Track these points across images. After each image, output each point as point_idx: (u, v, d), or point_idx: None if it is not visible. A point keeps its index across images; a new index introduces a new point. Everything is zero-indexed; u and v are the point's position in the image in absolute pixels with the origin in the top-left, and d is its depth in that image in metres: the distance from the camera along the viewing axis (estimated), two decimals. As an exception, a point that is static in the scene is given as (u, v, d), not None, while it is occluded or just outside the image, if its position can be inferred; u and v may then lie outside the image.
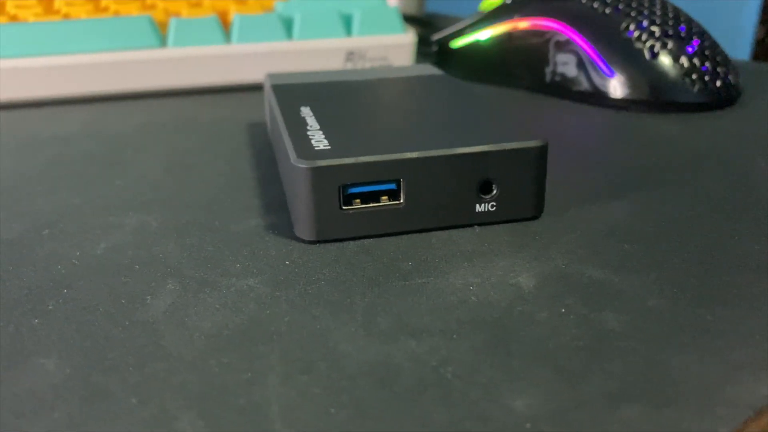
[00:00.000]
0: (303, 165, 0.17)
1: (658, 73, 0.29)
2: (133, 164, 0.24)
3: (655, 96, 0.29)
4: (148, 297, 0.16)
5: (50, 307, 0.15)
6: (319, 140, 0.18)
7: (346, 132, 0.19)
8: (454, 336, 0.14)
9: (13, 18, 0.33)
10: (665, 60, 0.29)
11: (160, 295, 0.16)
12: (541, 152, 0.18)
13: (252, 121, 0.29)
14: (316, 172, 0.17)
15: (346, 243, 0.18)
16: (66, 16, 0.34)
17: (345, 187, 0.17)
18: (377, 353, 0.13)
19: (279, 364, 0.13)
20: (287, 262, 0.17)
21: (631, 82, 0.29)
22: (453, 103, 0.22)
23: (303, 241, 0.18)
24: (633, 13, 0.30)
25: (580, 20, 0.31)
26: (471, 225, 0.19)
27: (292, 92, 0.24)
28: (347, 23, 0.35)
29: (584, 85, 0.30)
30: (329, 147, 0.18)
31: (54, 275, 0.17)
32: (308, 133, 0.19)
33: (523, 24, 0.33)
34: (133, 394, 0.12)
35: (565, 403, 0.12)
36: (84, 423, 0.12)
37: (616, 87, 0.29)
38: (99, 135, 0.27)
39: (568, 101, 0.31)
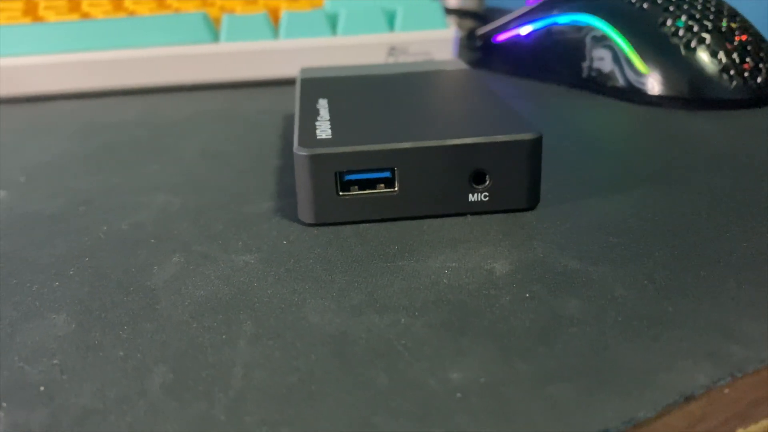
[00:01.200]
0: (302, 152, 0.18)
1: (694, 69, 0.29)
2: (172, 150, 0.26)
3: (689, 92, 0.29)
4: (155, 267, 0.17)
5: (71, 273, 0.17)
6: (323, 130, 0.20)
7: (351, 123, 0.20)
8: (416, 313, 0.15)
9: (86, 15, 0.36)
10: (702, 55, 0.29)
11: (166, 266, 0.17)
12: (534, 145, 0.19)
13: (290, 113, 0.31)
14: (314, 159, 0.18)
15: (343, 227, 0.19)
16: (132, 12, 0.37)
17: (342, 174, 0.19)
18: (341, 325, 0.15)
19: (252, 329, 0.15)
20: (284, 242, 0.18)
21: (665, 79, 0.29)
22: (463, 97, 0.23)
23: (304, 223, 0.19)
24: (672, 8, 0.30)
25: (617, 15, 0.30)
26: (464, 214, 0.20)
27: (317, 85, 0.25)
28: (390, 19, 0.36)
29: (619, 80, 0.30)
30: (330, 136, 0.19)
31: (80, 246, 0.19)
32: (317, 123, 0.20)
33: (562, 19, 0.33)
34: (121, 349, 0.14)
35: (500, 378, 0.13)
36: (75, 369, 0.13)
37: (650, 83, 0.29)
38: (149, 123, 0.30)
39: (604, 97, 0.31)
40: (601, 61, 0.31)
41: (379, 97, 0.23)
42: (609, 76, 0.31)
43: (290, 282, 0.16)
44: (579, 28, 0.32)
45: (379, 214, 0.19)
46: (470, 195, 0.19)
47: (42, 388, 0.13)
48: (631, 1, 0.30)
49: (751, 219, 0.19)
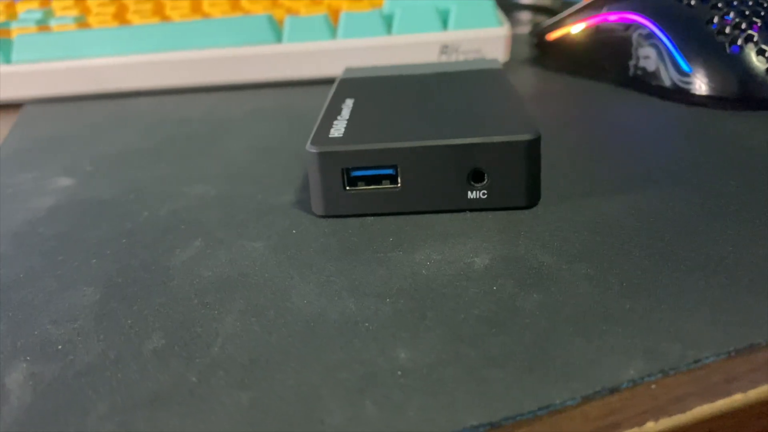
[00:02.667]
0: (312, 150, 0.20)
1: (739, 68, 0.28)
2: (223, 144, 0.29)
3: (734, 92, 0.28)
4: (178, 250, 0.20)
5: (107, 252, 0.20)
6: (338, 129, 0.21)
7: (365, 122, 0.22)
8: (388, 299, 0.16)
9: (167, 18, 0.40)
10: (748, 54, 0.28)
11: (187, 249, 0.20)
12: (532, 146, 0.20)
13: (338, 110, 0.32)
14: (322, 156, 0.20)
15: (350, 219, 0.21)
16: (207, 15, 0.40)
17: (348, 170, 0.20)
18: (318, 307, 0.16)
19: (241, 307, 0.17)
20: (294, 231, 0.20)
21: (709, 78, 0.28)
22: (479, 96, 0.24)
23: (315, 215, 0.21)
24: (720, 5, 0.29)
25: (663, 12, 0.30)
26: (464, 210, 0.21)
27: (351, 85, 0.27)
28: (444, 17, 0.37)
29: (663, 79, 0.30)
30: (341, 135, 0.21)
31: (121, 229, 0.21)
32: (335, 122, 0.22)
33: (612, 17, 0.33)
34: (129, 318, 0.16)
35: (442, 361, 0.14)
36: (89, 333, 0.16)
37: (693, 82, 0.29)
38: (210, 119, 0.32)
39: (649, 96, 0.31)
40: (647, 59, 0.31)
41: (401, 98, 0.24)
42: (654, 75, 0.30)
43: (287, 267, 0.18)
44: (627, 26, 0.32)
45: (383, 208, 0.21)
46: (469, 192, 0.20)
47: (60, 347, 0.16)
48: (678, -1, 0.30)
49: (748, 224, 0.19)
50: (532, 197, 0.20)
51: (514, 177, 0.20)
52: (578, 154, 0.25)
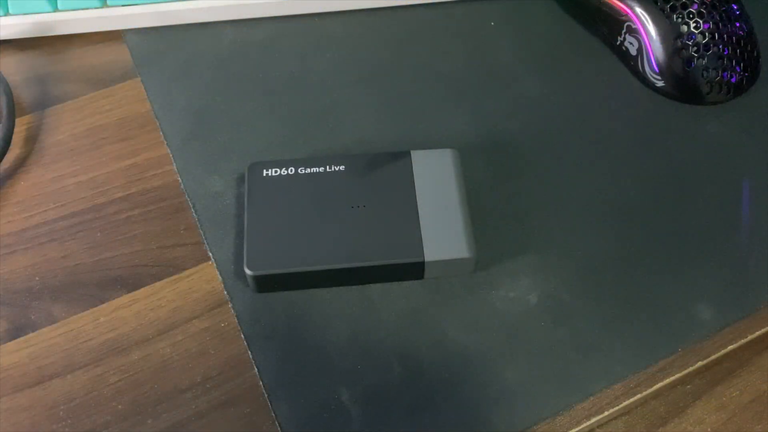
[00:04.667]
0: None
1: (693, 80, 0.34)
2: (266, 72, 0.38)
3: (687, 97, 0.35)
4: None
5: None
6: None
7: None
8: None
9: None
10: (699, 70, 0.34)
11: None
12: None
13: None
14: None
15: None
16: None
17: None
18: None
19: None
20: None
21: (672, 82, 0.35)
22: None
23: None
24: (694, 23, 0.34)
25: (649, 17, 0.35)
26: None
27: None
28: None
29: (638, 67, 0.36)
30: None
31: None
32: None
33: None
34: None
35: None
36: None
37: (660, 79, 0.35)
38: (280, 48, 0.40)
39: (629, 74, 0.37)
40: (631, 45, 0.36)
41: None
42: (634, 59, 0.36)
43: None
44: (621, 13, 0.36)
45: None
46: None
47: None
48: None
49: (675, 272, 0.29)
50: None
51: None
52: (556, 170, 0.33)
